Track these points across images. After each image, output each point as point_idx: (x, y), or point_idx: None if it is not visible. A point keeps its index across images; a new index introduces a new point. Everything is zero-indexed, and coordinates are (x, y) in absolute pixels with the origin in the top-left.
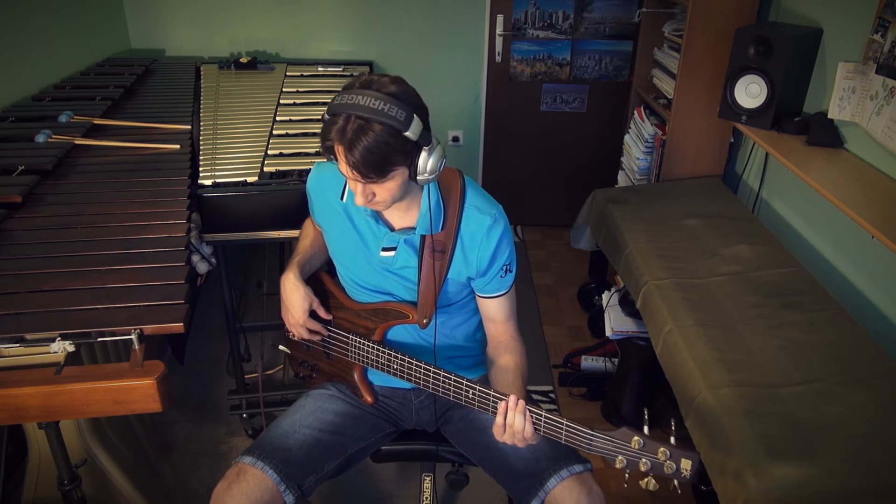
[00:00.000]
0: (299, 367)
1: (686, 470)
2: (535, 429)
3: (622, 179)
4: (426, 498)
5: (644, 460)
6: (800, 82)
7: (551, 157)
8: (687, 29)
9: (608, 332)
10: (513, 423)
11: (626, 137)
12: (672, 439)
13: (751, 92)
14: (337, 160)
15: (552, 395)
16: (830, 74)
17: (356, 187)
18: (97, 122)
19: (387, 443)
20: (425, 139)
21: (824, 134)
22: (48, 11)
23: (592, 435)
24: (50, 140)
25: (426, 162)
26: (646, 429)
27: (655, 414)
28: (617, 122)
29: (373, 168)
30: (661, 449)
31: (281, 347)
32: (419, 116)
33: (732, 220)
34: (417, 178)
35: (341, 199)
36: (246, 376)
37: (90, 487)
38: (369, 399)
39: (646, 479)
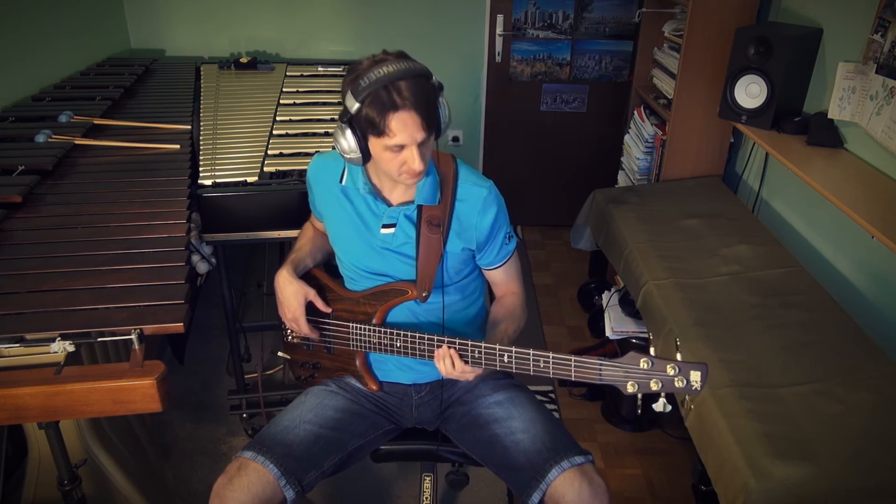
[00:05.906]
0: (300, 369)
1: (696, 382)
2: (467, 361)
3: (622, 179)
4: (426, 498)
5: (654, 380)
6: (800, 82)
7: (551, 157)
8: (687, 29)
9: (608, 332)
10: (447, 371)
11: (626, 137)
12: (679, 356)
13: (751, 92)
14: (389, 135)
15: (552, 395)
16: (830, 74)
17: (413, 154)
18: (97, 122)
19: (387, 441)
20: (439, 85)
21: (824, 134)
22: (48, 11)
23: (602, 364)
24: (50, 140)
25: (444, 107)
26: (652, 350)
27: (655, 414)
28: (617, 122)
29: (430, 113)
30: (670, 365)
31: (280, 354)
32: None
33: (732, 220)
34: (441, 124)
35: (340, 182)
36: (246, 376)
37: (90, 487)
38: (374, 386)
39: (661, 401)
